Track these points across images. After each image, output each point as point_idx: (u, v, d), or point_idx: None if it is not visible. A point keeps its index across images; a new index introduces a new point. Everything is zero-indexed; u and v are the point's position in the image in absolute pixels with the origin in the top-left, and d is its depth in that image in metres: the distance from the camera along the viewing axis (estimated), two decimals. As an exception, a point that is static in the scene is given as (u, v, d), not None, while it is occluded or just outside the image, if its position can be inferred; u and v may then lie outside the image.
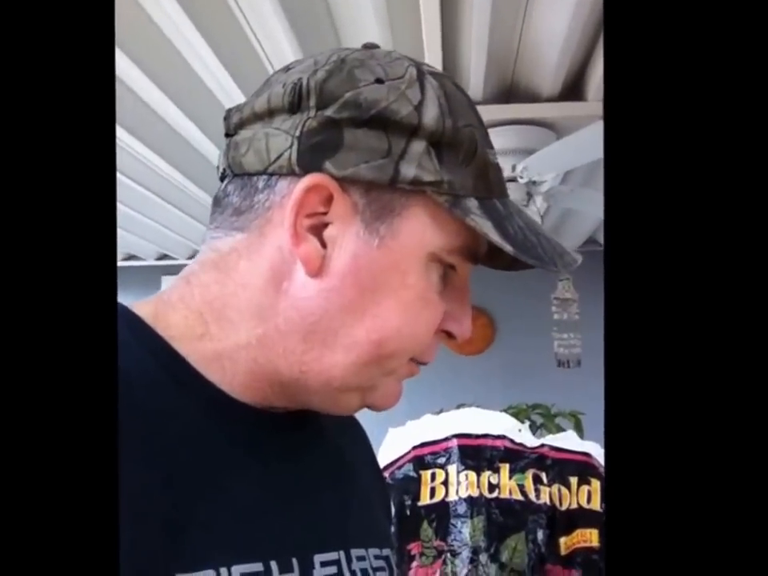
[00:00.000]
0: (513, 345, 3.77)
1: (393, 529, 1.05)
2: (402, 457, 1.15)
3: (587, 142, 1.32)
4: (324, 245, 0.42)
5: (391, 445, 1.19)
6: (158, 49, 1.48)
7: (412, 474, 1.12)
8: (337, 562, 0.43)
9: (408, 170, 0.40)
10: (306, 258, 0.41)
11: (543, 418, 1.50)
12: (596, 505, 1.00)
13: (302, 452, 0.47)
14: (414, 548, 1.03)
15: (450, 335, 0.46)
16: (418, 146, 0.41)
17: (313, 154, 0.41)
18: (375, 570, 0.47)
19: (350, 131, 0.40)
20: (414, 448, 1.15)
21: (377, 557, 0.48)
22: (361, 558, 0.46)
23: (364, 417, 0.55)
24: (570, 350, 3.55)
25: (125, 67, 1.52)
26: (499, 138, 1.65)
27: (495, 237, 0.42)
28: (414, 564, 1.02)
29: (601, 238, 3.68)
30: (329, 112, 0.41)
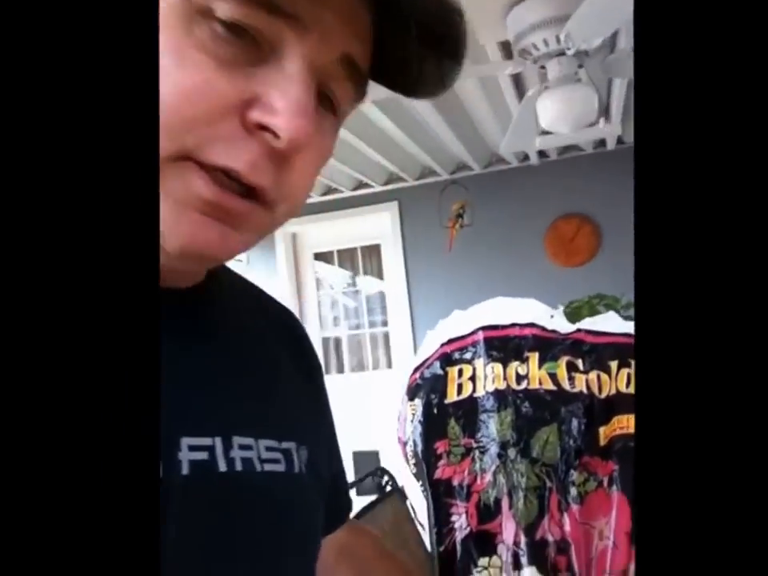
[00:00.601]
0: (620, 252, 3.51)
1: (420, 429, 0.99)
2: (430, 356, 1.08)
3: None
4: None
5: (425, 346, 1.12)
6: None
7: (439, 371, 1.05)
8: (209, 448, 0.39)
9: None
10: None
11: (610, 310, 1.35)
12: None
13: (184, 333, 0.42)
14: (440, 446, 0.97)
15: (267, 130, 0.34)
16: None
17: None
18: (264, 461, 0.42)
19: None
20: (442, 345, 1.08)
21: (270, 448, 0.43)
22: (245, 447, 0.41)
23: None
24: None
25: None
26: (536, 9, 1.46)
27: None
28: (441, 463, 0.96)
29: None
30: None
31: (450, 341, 1.06)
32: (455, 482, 0.93)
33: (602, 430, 0.89)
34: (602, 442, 0.88)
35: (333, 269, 4.28)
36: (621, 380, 0.90)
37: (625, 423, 0.86)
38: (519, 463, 0.90)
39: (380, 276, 4.13)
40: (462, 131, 3.16)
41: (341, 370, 4.20)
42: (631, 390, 0.89)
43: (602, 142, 3.55)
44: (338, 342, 4.22)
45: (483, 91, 2.65)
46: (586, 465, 0.87)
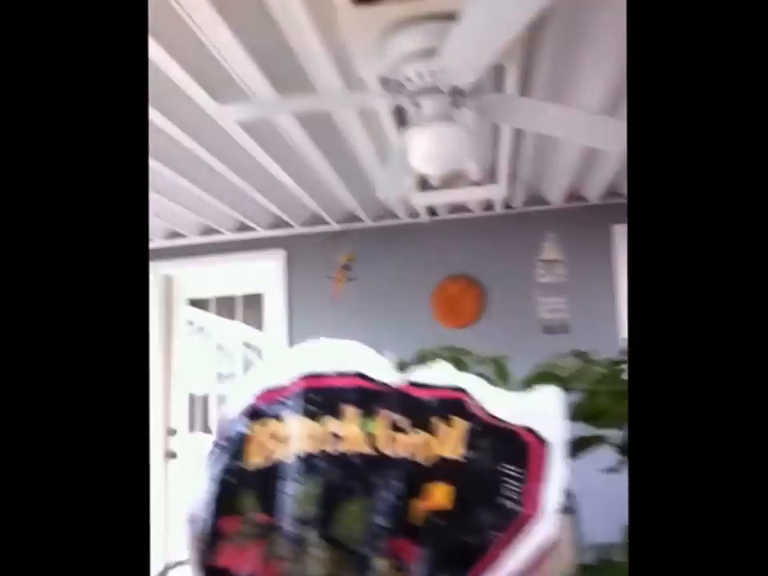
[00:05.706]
0: (504, 314, 3.49)
1: (209, 503, 0.80)
2: (239, 410, 0.90)
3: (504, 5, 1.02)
4: None
5: (234, 397, 0.94)
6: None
7: (244, 430, 0.86)
8: None
9: None
10: None
11: (455, 363, 1.22)
12: (456, 452, 0.73)
13: None
14: (227, 524, 0.78)
15: None
16: None
17: None
18: None
19: None
20: (255, 397, 0.90)
21: None
22: None
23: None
24: (556, 315, 3.25)
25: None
26: (412, 38, 1.37)
27: None
28: (226, 546, 0.76)
29: (585, 192, 3.36)
30: None
31: (265, 392, 0.89)
32: (238, 572, 0.74)
33: (416, 503, 0.73)
34: (415, 519, 0.72)
35: (210, 316, 4.01)
36: (445, 442, 0.75)
37: (437, 495, 0.71)
38: (318, 546, 0.72)
39: (260, 327, 3.90)
40: (351, 181, 3.07)
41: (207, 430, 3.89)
42: (451, 454, 0.74)
43: (490, 205, 3.57)
44: (205, 400, 3.92)
45: (372, 142, 2.57)
46: (394, 549, 0.71)
